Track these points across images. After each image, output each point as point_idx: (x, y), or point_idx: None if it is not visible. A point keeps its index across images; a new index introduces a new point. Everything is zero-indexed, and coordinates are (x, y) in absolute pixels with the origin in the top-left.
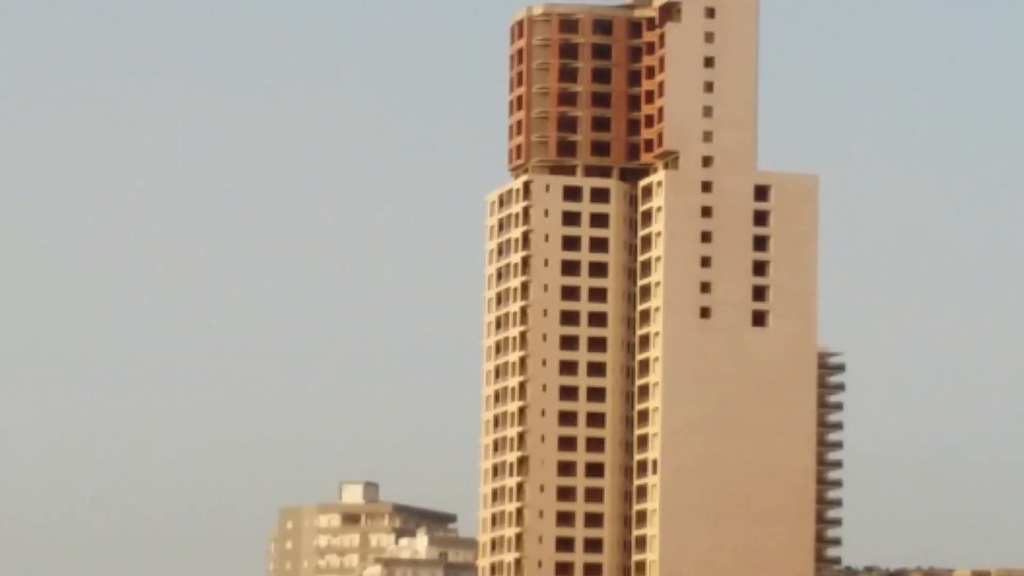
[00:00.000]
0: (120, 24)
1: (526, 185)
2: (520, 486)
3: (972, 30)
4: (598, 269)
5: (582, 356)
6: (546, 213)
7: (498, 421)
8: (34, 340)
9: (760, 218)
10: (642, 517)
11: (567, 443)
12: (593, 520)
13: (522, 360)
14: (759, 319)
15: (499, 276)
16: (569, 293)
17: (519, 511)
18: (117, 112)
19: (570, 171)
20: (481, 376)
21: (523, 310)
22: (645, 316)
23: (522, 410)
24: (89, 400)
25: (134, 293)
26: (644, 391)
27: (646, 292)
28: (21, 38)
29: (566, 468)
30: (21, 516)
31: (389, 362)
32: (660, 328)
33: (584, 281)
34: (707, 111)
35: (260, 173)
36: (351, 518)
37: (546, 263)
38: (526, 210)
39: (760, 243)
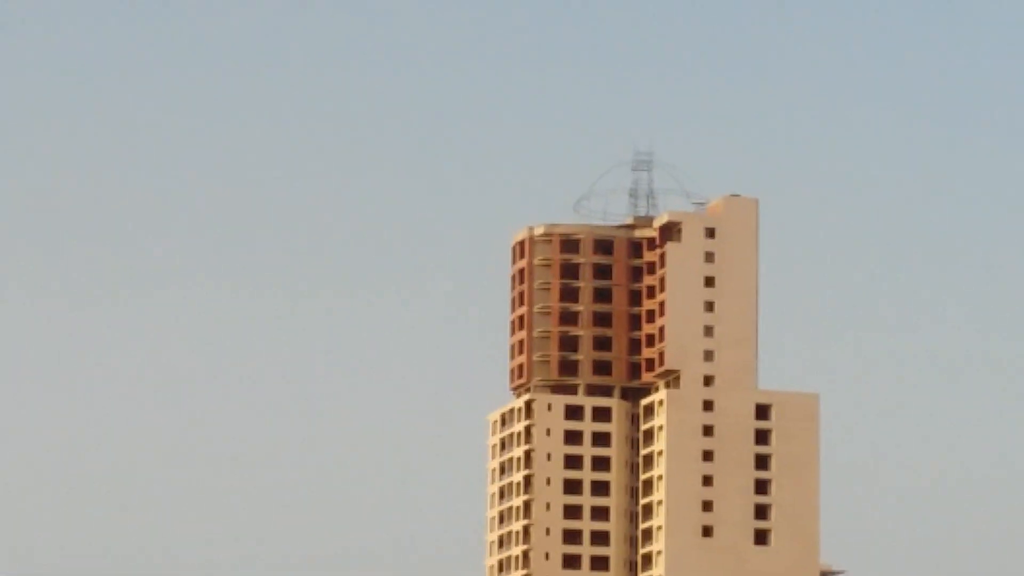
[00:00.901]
0: None
1: (528, 404)
2: None
3: (966, 232)
4: (600, 488)
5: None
6: (548, 432)
7: None
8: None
9: (761, 437)
10: None
11: None
12: None
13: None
14: (761, 538)
15: (501, 495)
16: (572, 512)
17: None
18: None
19: (572, 390)
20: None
21: (526, 529)
22: (647, 535)
23: None
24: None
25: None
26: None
27: (648, 511)
28: None
29: None
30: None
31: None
32: (662, 547)
33: (586, 500)
34: (708, 330)
35: (278, 394)
36: None
37: (548, 482)
38: (528, 429)
39: (762, 462)
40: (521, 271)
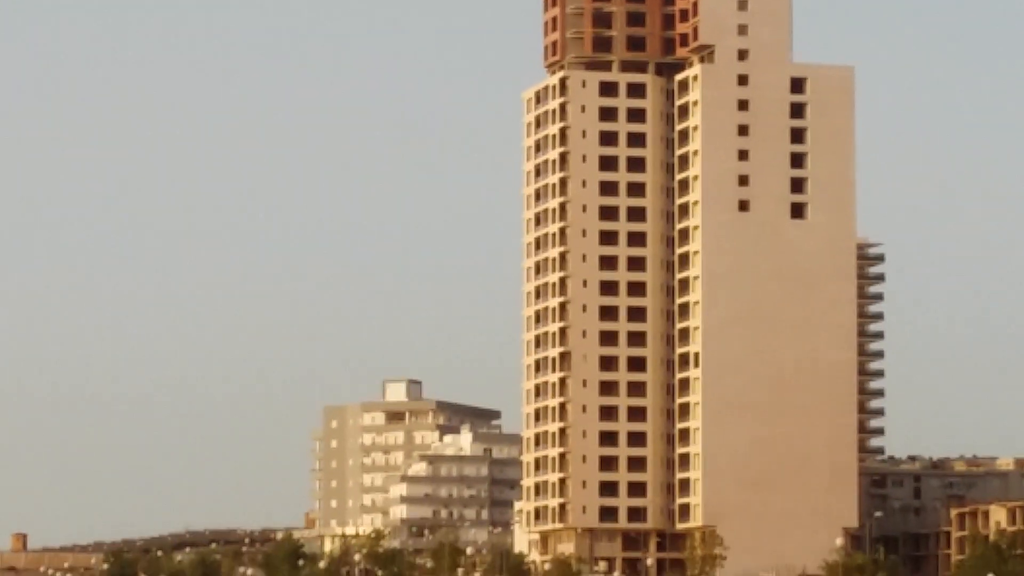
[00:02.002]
0: None
1: (562, 81)
2: (563, 381)
3: None
4: (636, 164)
5: (621, 251)
6: (583, 109)
7: (539, 317)
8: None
9: (797, 110)
10: (685, 410)
11: (609, 338)
12: (636, 414)
13: (562, 256)
14: (798, 211)
15: (537, 173)
16: (607, 188)
17: (562, 406)
18: None
19: (606, 67)
20: (522, 273)
21: (562, 206)
22: (684, 210)
23: (563, 305)
24: (135, 293)
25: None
26: (684, 285)
27: (684, 186)
28: None
29: (608, 363)
30: (73, 407)
31: (430, 261)
32: (699, 221)
33: (622, 176)
34: (742, 4)
35: (293, 67)
36: (395, 416)
37: (584, 159)
38: (563, 106)
39: (797, 135)
40: None
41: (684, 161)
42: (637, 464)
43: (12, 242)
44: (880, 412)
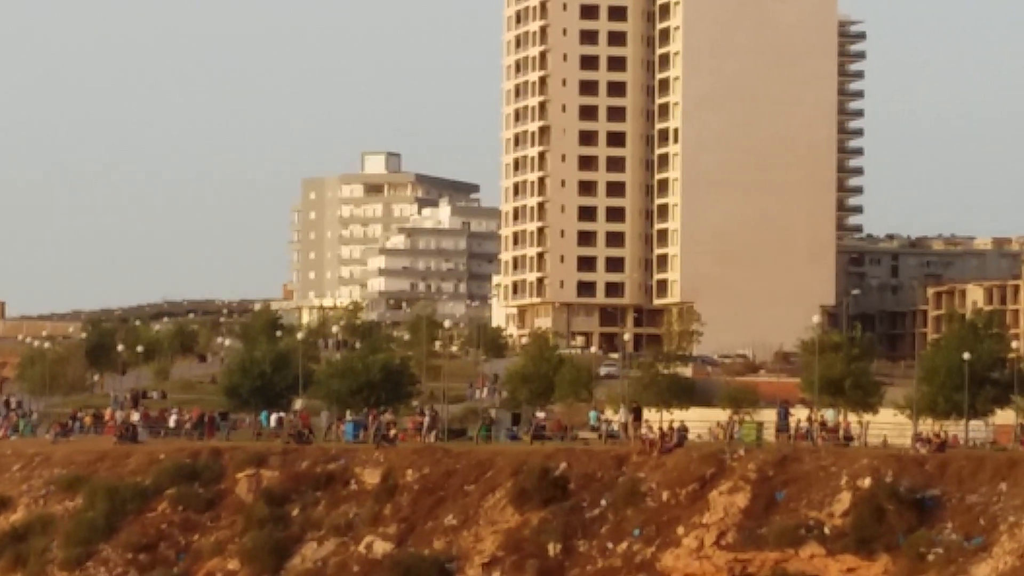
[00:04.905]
0: None
1: None
2: (541, 156)
3: None
4: None
5: (602, 25)
6: None
7: (519, 91)
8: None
9: None
10: (663, 186)
11: (588, 112)
12: (615, 189)
13: (542, 29)
14: None
15: None
16: None
17: (541, 180)
18: None
19: None
20: (502, 47)
21: None
22: None
23: (543, 79)
24: (115, 67)
25: None
26: (665, 60)
27: None
28: None
29: (587, 137)
30: (51, 177)
31: (410, 32)
32: None
33: None
34: None
35: None
36: (374, 188)
37: None
38: None
39: None
40: None
41: None
42: (615, 239)
43: None
44: (859, 190)
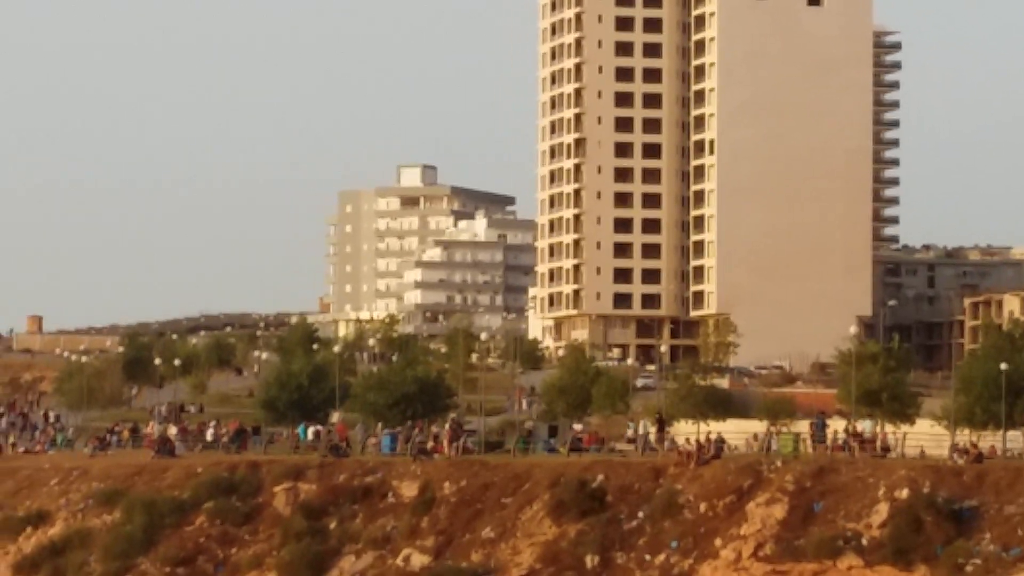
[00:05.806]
0: None
1: None
2: (577, 167)
3: None
4: None
5: (637, 37)
6: None
7: (555, 103)
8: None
9: None
10: (700, 197)
11: (624, 124)
12: (651, 201)
13: (578, 42)
14: None
15: None
16: None
17: (577, 192)
18: None
19: None
20: (538, 59)
21: None
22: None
23: (579, 92)
24: (153, 81)
25: None
26: (700, 71)
27: None
28: None
29: (623, 149)
30: (89, 190)
31: (446, 45)
32: (715, 8)
33: None
34: None
35: None
36: (410, 201)
37: None
38: None
39: None
40: None
41: None
42: (651, 251)
43: (15, 13)
44: (895, 201)
